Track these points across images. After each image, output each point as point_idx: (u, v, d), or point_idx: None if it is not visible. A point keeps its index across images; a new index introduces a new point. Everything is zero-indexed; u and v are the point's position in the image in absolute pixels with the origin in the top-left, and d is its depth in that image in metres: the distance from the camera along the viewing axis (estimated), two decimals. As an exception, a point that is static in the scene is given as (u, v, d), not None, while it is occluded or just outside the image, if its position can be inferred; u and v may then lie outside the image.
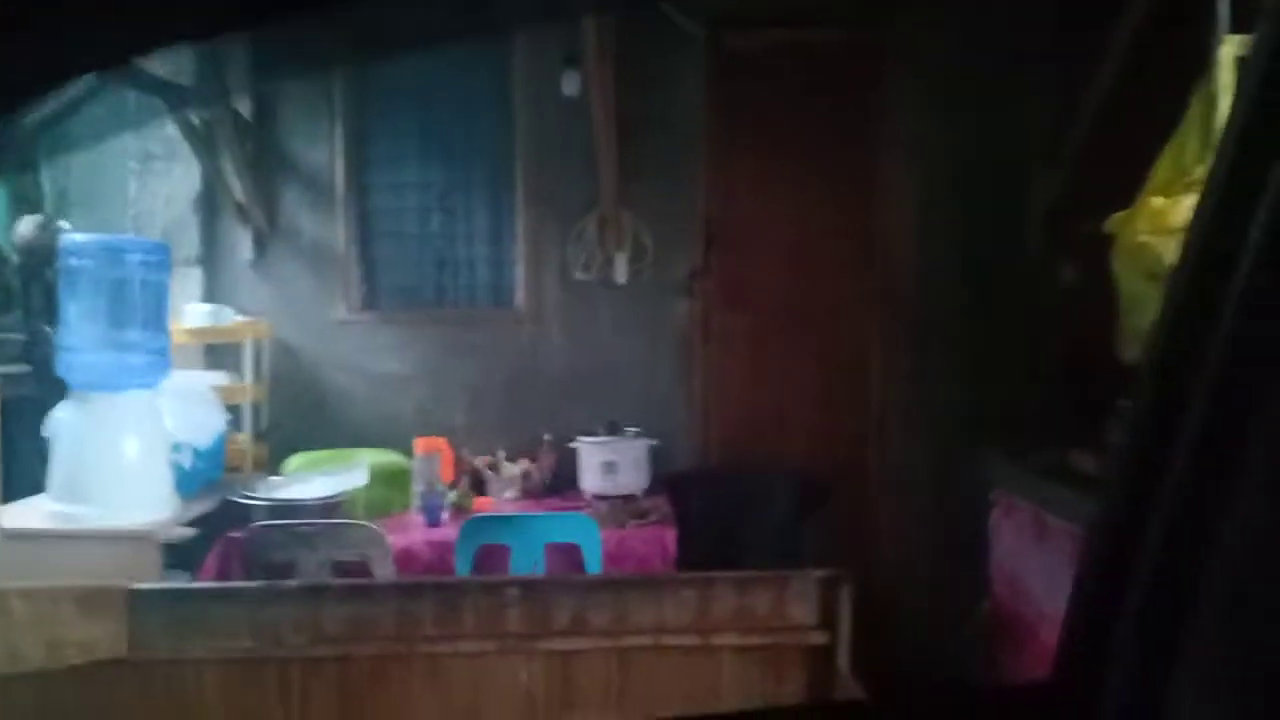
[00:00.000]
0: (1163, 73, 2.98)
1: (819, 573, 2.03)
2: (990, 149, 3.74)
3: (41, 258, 3.63)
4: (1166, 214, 2.78)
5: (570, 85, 3.66)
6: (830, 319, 3.95)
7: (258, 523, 2.80)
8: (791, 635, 2.02)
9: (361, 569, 2.73)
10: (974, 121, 3.72)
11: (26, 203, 4.08)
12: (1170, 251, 2.78)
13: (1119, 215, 2.87)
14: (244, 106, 3.92)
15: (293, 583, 2.37)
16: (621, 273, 3.87)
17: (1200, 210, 0.73)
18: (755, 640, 2.01)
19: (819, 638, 2.01)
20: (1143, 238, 2.81)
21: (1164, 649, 0.70)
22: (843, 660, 2.01)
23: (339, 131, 3.99)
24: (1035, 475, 2.86)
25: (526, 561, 2.80)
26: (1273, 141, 0.64)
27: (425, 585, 2.19)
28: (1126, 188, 2.87)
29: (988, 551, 3.10)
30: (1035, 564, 2.81)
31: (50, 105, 3.79)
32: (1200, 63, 2.79)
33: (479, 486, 3.49)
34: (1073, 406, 3.12)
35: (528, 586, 2.01)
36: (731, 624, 2.00)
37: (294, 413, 3.87)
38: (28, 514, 2.83)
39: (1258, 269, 0.64)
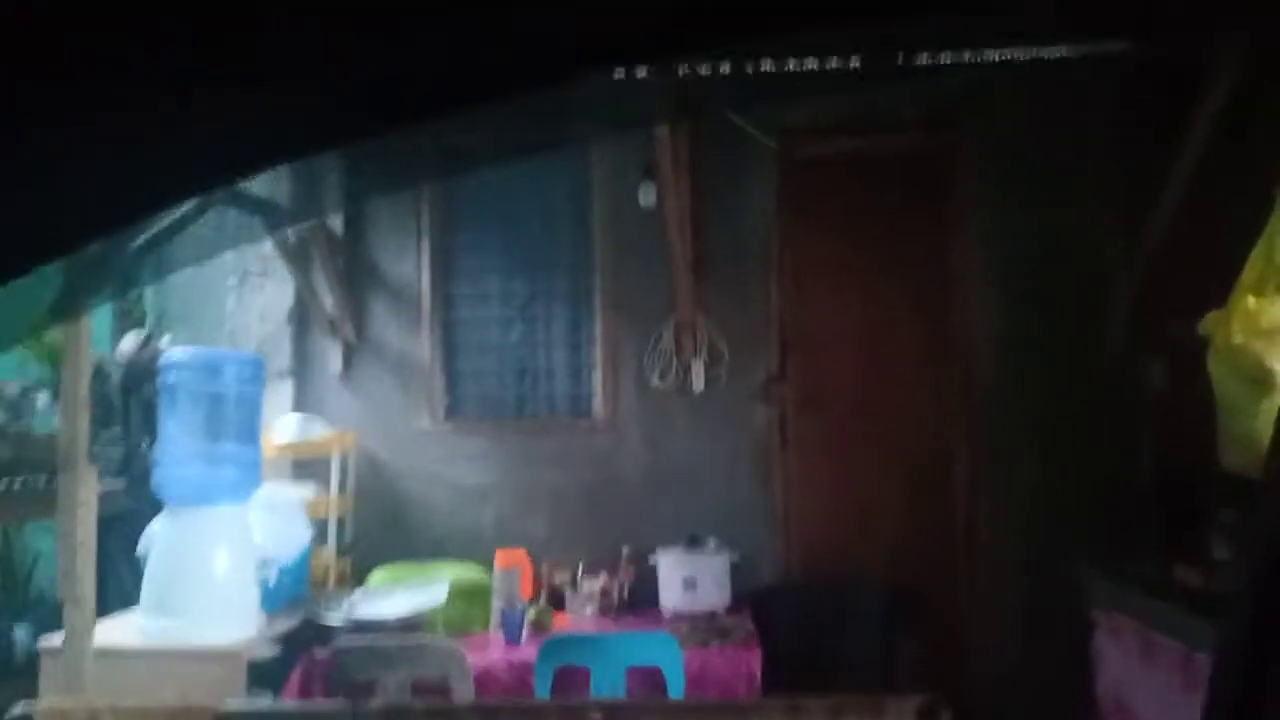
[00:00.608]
0: (1242, 168, 2.92)
1: (917, 699, 1.94)
2: (1067, 248, 3.69)
3: (141, 374, 3.79)
4: (1261, 314, 2.68)
5: (647, 196, 3.74)
6: (911, 423, 3.87)
7: (339, 642, 2.81)
8: (884, 769, 1.92)
9: (442, 688, 2.71)
10: (1050, 221, 3.68)
11: (130, 320, 4.29)
12: (1269, 352, 2.67)
13: (1212, 316, 2.77)
14: (335, 223, 4.10)
15: (375, 703, 2.36)
16: (698, 380, 3.87)
17: None
18: (845, 774, 1.92)
19: (913, 773, 1.91)
20: (1238, 339, 2.71)
21: None
22: (940, 796, 1.90)
23: (426, 245, 4.12)
24: (1139, 592, 2.72)
25: (607, 684, 2.74)
26: None
27: (506, 708, 2.16)
28: (1212, 286, 2.78)
29: (1091, 673, 2.93)
30: (1144, 687, 2.65)
31: (156, 225, 4.01)
32: (1284, 158, 2.72)
33: (557, 602, 3.46)
34: (1171, 517, 2.98)
35: (611, 710, 1.96)
36: (819, 757, 1.92)
37: (377, 524, 3.92)
38: (119, 630, 2.90)
39: None
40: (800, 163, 3.94)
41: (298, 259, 3.97)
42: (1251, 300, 2.69)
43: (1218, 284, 2.75)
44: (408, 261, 4.13)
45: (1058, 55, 3.56)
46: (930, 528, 3.81)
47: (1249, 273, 2.73)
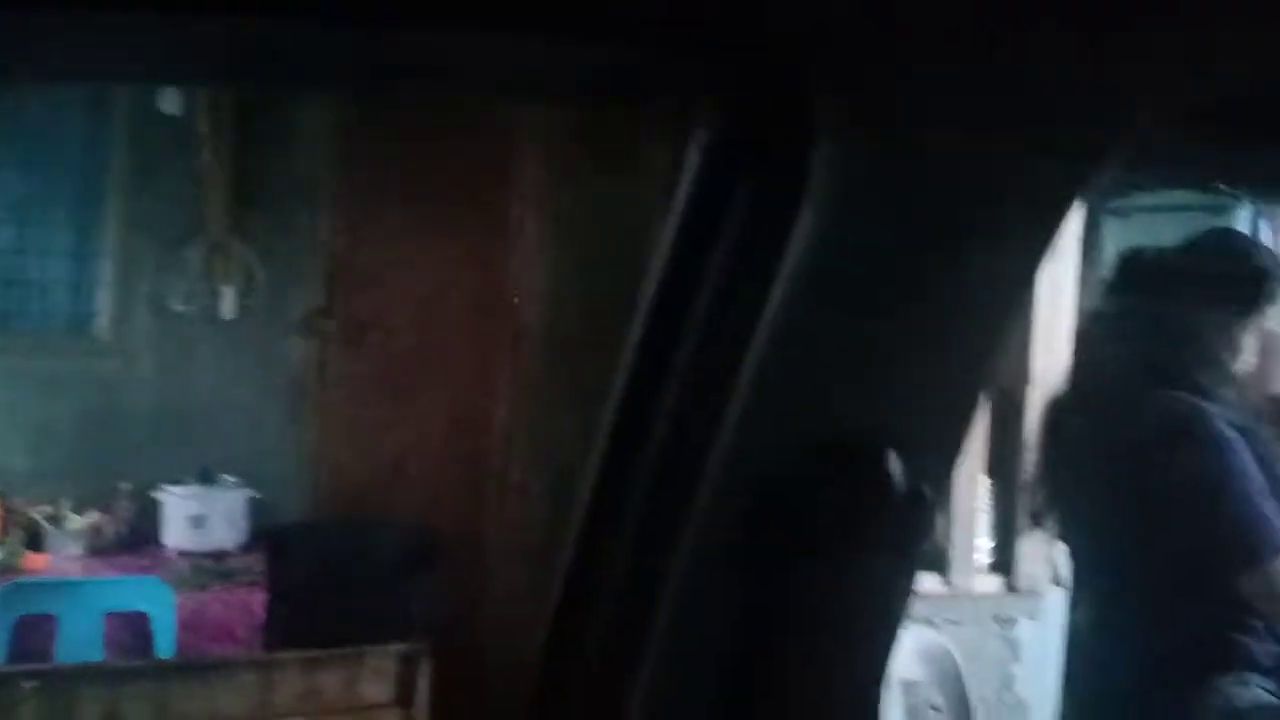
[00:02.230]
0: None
1: (396, 647, 1.97)
2: (624, 222, 3.90)
3: None
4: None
5: (171, 103, 3.34)
6: (457, 370, 3.90)
7: None
8: (365, 715, 1.94)
9: None
10: (611, 190, 3.87)
11: None
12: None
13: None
14: None
15: None
16: (229, 307, 3.58)
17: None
18: (324, 723, 1.91)
19: (394, 717, 1.94)
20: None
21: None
22: (419, 737, 1.96)
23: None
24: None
25: (79, 635, 2.46)
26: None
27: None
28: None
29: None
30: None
31: None
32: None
33: (35, 542, 3.04)
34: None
35: (47, 678, 1.75)
36: (298, 708, 1.88)
37: None
38: None
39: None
40: (363, 88, 3.76)
41: None
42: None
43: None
44: None
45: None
46: (467, 473, 3.88)
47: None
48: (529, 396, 3.93)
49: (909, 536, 0.66)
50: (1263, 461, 1.69)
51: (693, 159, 0.72)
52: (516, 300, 3.84)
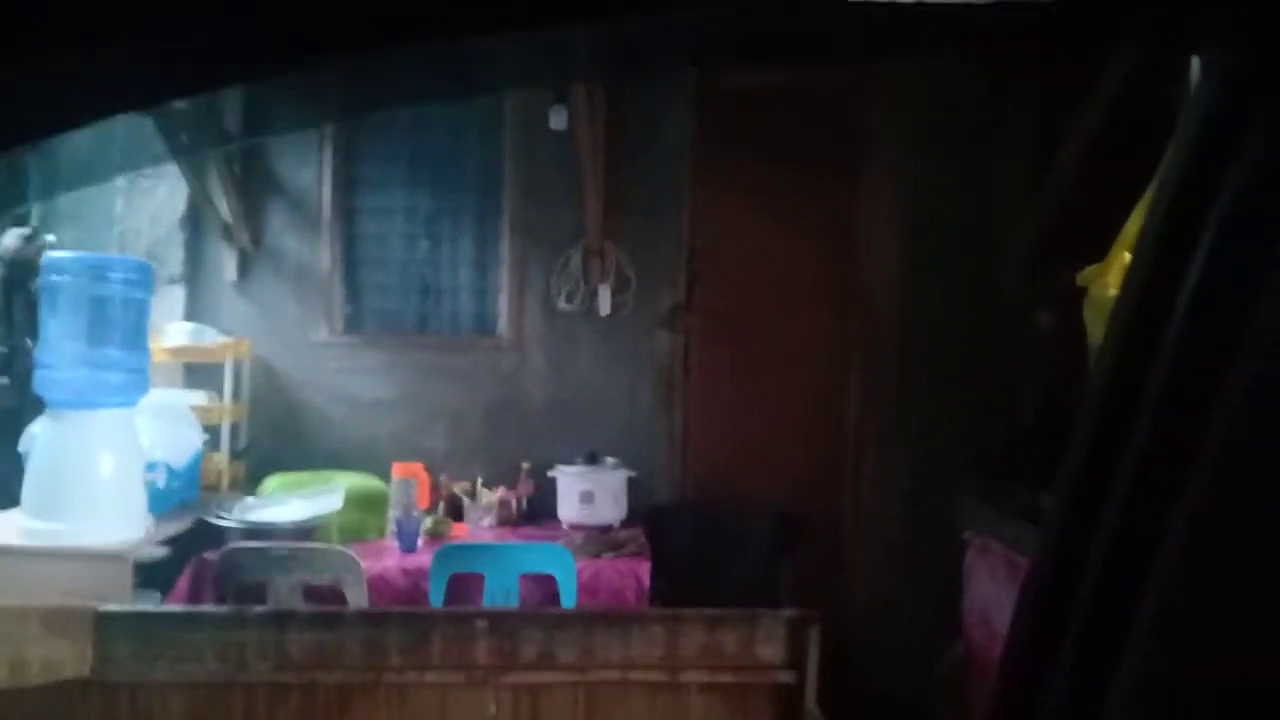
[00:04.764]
0: (1144, 124, 3.03)
1: (788, 613, 2.05)
2: (971, 194, 3.80)
3: (26, 271, 3.62)
4: (1136, 267, 2.81)
5: (558, 120, 3.70)
6: (812, 356, 3.98)
7: (231, 544, 2.79)
8: (759, 674, 2.03)
9: (334, 593, 2.72)
10: (956, 166, 3.78)
11: (13, 216, 4.08)
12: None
13: (1091, 268, 2.91)
14: (232, 126, 3.93)
15: (259, 608, 2.36)
16: (605, 304, 3.90)
17: (1140, 246, 0.74)
18: (723, 678, 2.02)
19: (787, 677, 2.02)
20: (1112, 291, 2.85)
21: (1097, 683, 0.71)
22: (810, 699, 2.02)
23: (328, 153, 4.01)
24: (1007, 516, 2.88)
25: (500, 591, 2.80)
26: (1206, 189, 0.65)
27: (392, 614, 2.18)
28: (1104, 239, 2.91)
29: (961, 593, 3.11)
30: (1007, 606, 2.82)
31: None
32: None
33: (456, 513, 3.49)
34: (1045, 450, 3.15)
35: (495, 619, 2.01)
36: (700, 661, 2.01)
37: (272, 433, 3.86)
38: (1, 529, 2.81)
39: (1194, 309, 0.65)
40: (717, 92, 3.94)
41: (192, 162, 3.82)
42: (1127, 255, 2.83)
43: (1111, 238, 2.88)
44: (308, 169, 4.02)
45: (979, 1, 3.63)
46: (822, 454, 3.95)
47: (1129, 228, 2.86)
48: (880, 387, 3.90)
49: None
50: None
51: (1203, 93, 0.63)
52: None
